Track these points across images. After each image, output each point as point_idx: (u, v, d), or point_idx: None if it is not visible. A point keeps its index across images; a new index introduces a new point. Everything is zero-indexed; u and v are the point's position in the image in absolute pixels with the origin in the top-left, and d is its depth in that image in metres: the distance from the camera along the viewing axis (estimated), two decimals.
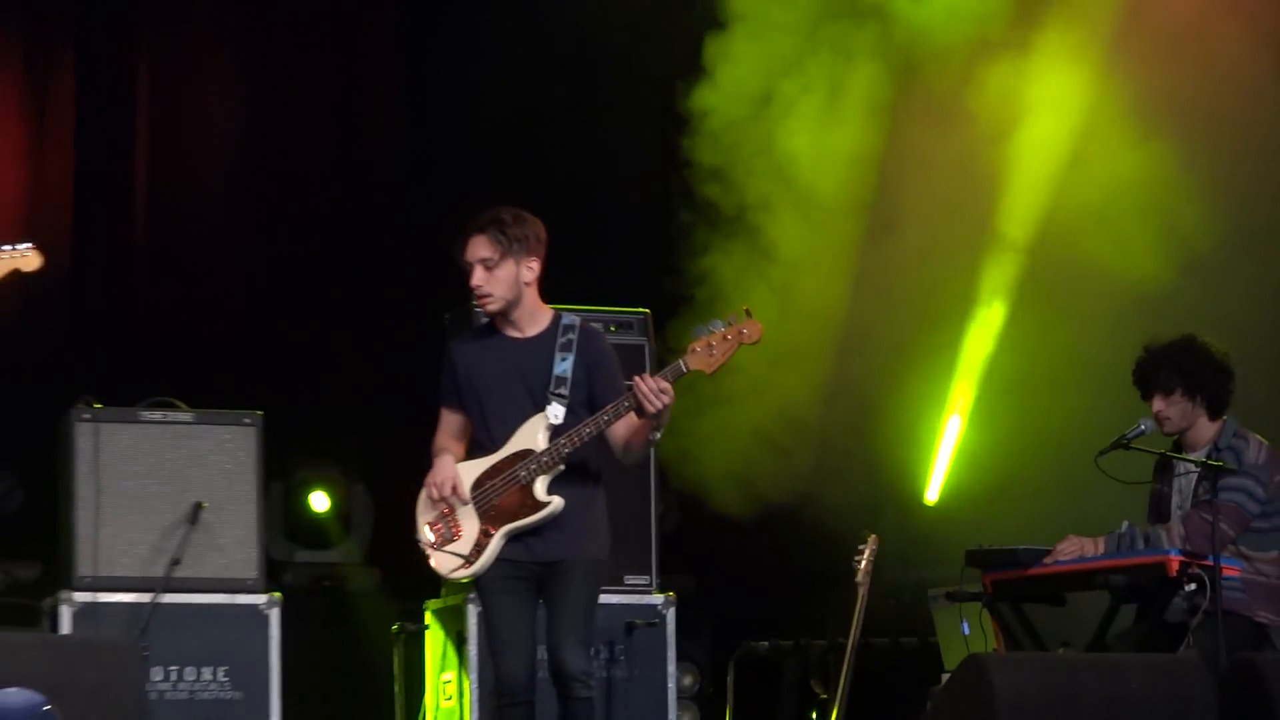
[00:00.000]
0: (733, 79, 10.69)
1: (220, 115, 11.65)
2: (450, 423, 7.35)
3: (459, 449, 7.34)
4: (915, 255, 10.80)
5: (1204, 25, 10.42)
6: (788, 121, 10.75)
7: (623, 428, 7.13)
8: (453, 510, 7.16)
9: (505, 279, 7.08)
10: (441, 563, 7.22)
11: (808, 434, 10.31)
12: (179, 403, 8.68)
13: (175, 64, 11.63)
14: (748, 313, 7.18)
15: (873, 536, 8.28)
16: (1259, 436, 8.06)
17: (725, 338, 7.10)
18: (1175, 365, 7.96)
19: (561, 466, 7.06)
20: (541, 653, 7.22)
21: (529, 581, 7.07)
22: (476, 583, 7.23)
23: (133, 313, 11.23)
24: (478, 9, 11.96)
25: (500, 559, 7.01)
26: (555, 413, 7.05)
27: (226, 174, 11.61)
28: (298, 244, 11.50)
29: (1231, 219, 9.79)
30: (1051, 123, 10.60)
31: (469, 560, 7.09)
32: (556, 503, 7.06)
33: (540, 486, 7.05)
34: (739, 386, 9.70)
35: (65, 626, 8.23)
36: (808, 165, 10.66)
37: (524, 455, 7.05)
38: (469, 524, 7.10)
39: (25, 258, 7.03)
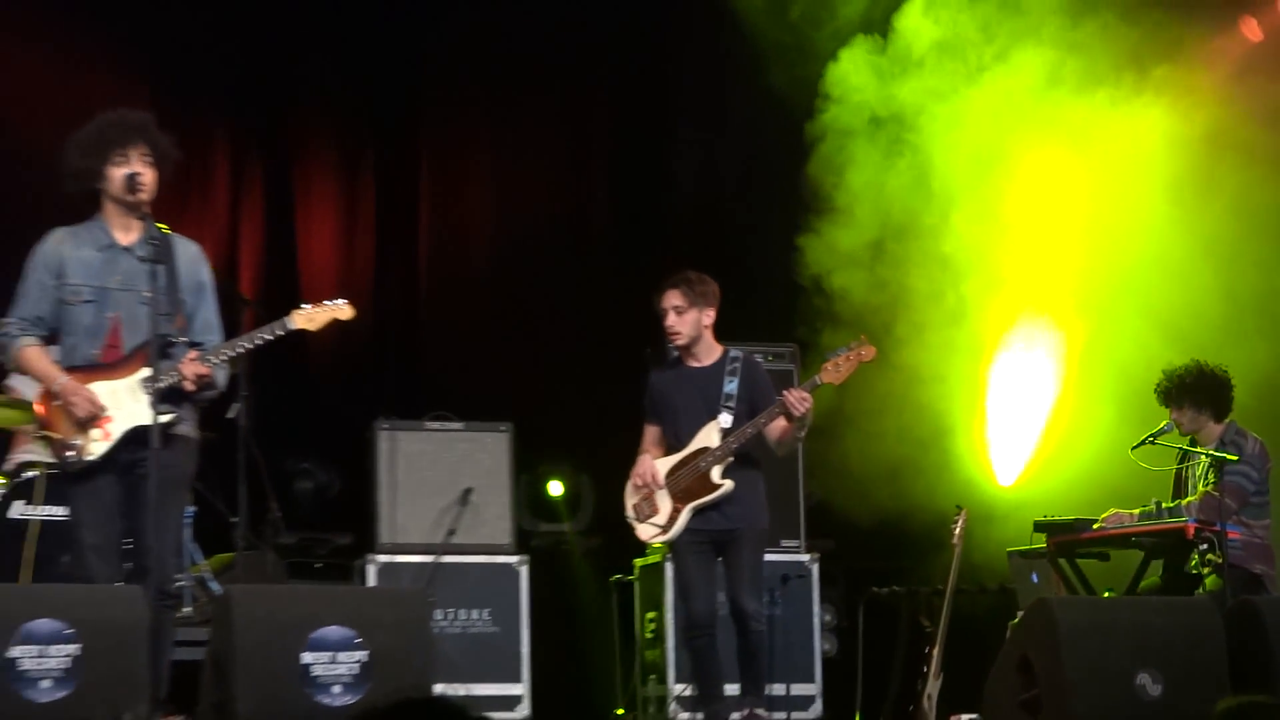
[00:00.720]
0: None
1: (480, 197, 11.74)
2: (650, 433, 7.92)
3: (656, 451, 7.85)
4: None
5: None
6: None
7: (775, 429, 7.70)
8: (652, 494, 7.74)
9: (690, 322, 7.70)
10: (644, 532, 7.83)
11: (917, 440, 10.12)
12: (452, 416, 9.30)
13: (447, 162, 11.70)
14: (864, 339, 7.80)
15: (963, 510, 8.56)
16: (1255, 434, 8.31)
17: (848, 358, 7.64)
18: (1182, 388, 8.26)
19: (730, 458, 7.57)
20: (721, 598, 7.70)
21: (710, 545, 7.59)
22: (671, 546, 7.83)
23: (419, 349, 11.38)
24: (672, 98, 11.79)
25: (688, 529, 7.57)
26: (725, 420, 7.61)
27: (487, 242, 11.63)
28: (540, 296, 11.38)
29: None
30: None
31: (664, 529, 7.67)
32: (728, 485, 7.60)
33: (716, 473, 7.61)
34: (865, 404, 9.69)
35: (371, 580, 8.79)
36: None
37: (703, 451, 7.63)
38: (664, 503, 7.67)
39: (342, 310, 7.11)
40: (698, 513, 7.67)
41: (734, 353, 7.93)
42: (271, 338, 6.89)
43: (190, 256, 6.92)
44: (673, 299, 7.80)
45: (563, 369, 11.16)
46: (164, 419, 6.54)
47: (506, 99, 11.72)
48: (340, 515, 9.86)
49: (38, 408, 6.79)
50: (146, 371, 6.59)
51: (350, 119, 11.67)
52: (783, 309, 10.46)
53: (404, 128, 11.74)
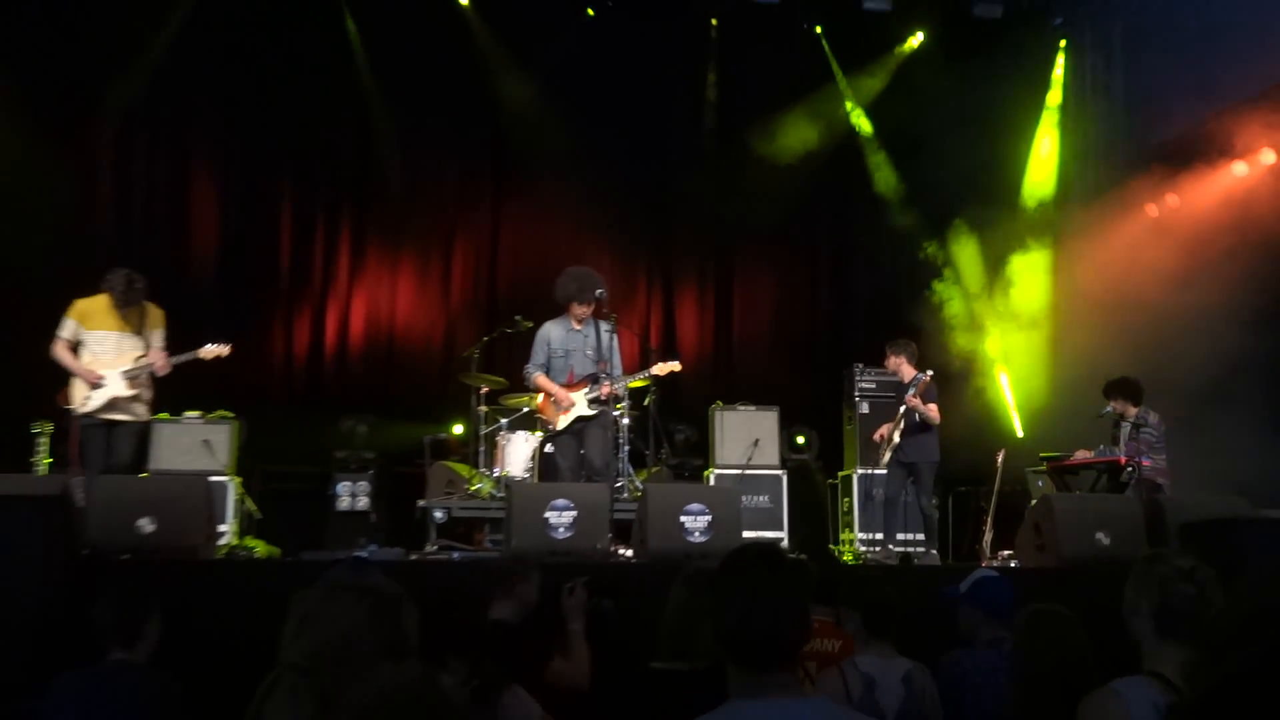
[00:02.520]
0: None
1: (767, 295, 11.55)
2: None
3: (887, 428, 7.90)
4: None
5: None
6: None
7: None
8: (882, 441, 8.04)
9: (895, 366, 8.22)
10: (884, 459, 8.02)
11: (981, 413, 10.07)
12: (749, 402, 9.21)
13: (748, 274, 11.48)
14: (931, 374, 8.06)
15: (1002, 449, 8.97)
16: (1155, 413, 7.99)
17: (920, 385, 7.95)
18: (1114, 388, 8.20)
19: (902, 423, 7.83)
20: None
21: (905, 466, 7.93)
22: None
23: (733, 367, 11.21)
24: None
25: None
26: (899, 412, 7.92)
27: (768, 321, 11.49)
28: (794, 345, 11.24)
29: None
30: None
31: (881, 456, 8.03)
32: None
33: (896, 436, 7.93)
34: (958, 396, 9.58)
35: (712, 481, 8.71)
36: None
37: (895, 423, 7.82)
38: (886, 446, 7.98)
39: (675, 365, 7.69)
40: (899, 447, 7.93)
41: (916, 376, 8.11)
42: (645, 376, 7.62)
43: (605, 330, 7.46)
44: (892, 358, 8.18)
45: (816, 385, 10.78)
46: (593, 410, 7.42)
47: (776, 249, 11.44)
48: (696, 450, 9.89)
49: (541, 403, 7.58)
50: (587, 388, 7.40)
51: (701, 257, 11.51)
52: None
53: (727, 261, 11.56)
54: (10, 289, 9.47)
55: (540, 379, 7.43)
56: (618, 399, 7.54)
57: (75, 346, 7.20)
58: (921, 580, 5.98)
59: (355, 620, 2.21)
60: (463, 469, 8.89)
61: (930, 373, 8.17)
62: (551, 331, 7.51)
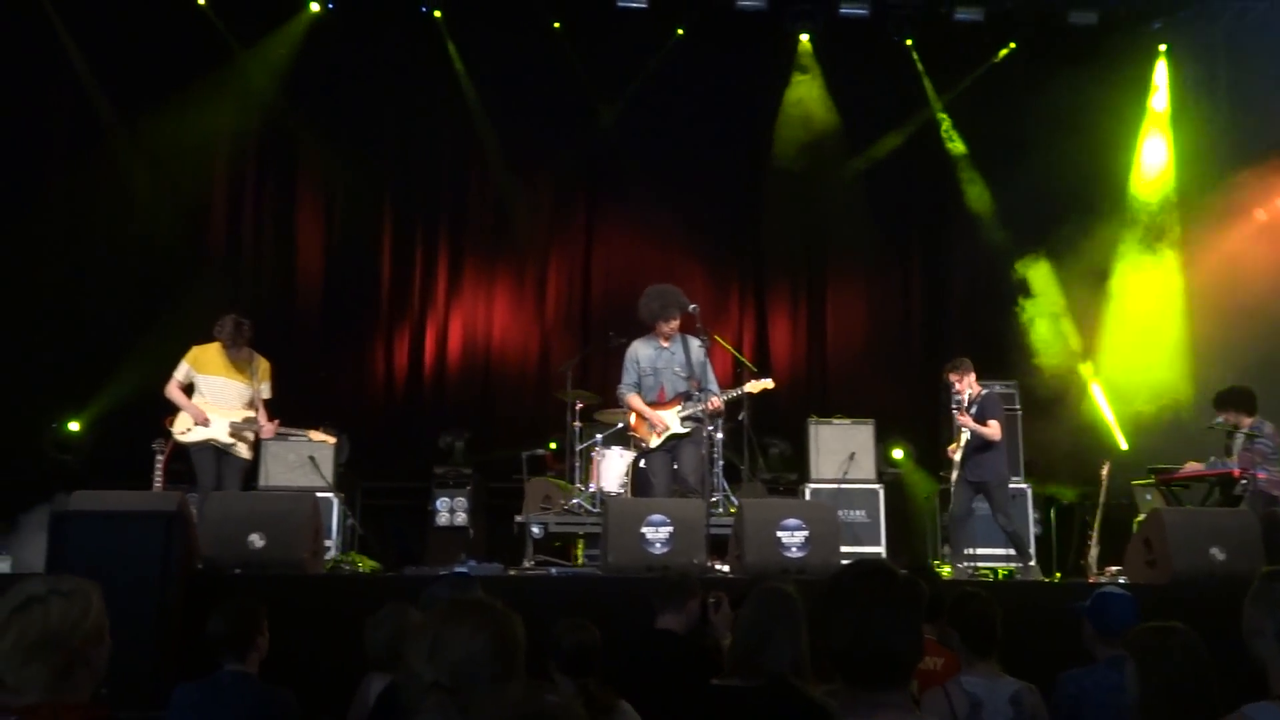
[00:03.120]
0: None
1: (855, 306, 11.47)
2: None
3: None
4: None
5: None
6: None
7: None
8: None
9: (960, 385, 7.93)
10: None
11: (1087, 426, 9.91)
12: (845, 416, 9.33)
13: (840, 289, 11.43)
14: (985, 391, 7.94)
15: (1107, 461, 8.85)
16: (1270, 423, 7.80)
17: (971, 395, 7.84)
18: (1227, 399, 8.01)
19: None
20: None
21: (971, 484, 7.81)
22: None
23: (829, 386, 11.19)
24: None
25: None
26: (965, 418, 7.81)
27: (861, 332, 11.39)
28: (888, 359, 11.17)
29: None
30: None
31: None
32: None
33: (957, 456, 7.84)
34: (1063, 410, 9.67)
35: (808, 496, 8.85)
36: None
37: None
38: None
39: (765, 384, 7.79)
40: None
41: (986, 391, 8.07)
42: (738, 394, 7.71)
43: (695, 348, 7.54)
44: (952, 372, 8.03)
45: (911, 397, 10.56)
46: (687, 428, 7.50)
47: (869, 263, 11.50)
48: (791, 465, 9.94)
49: (634, 422, 7.68)
50: (679, 406, 7.49)
51: (794, 274, 11.49)
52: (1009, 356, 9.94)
53: (820, 277, 11.50)
54: (134, 314, 9.91)
55: (632, 399, 7.51)
56: (719, 414, 7.62)
57: (188, 389, 7.55)
58: (1026, 597, 5.97)
59: (485, 640, 2.23)
60: (560, 484, 8.97)
61: (983, 391, 8.10)
62: (640, 350, 7.57)
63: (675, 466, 7.44)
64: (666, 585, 4.63)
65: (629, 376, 7.59)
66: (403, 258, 11.28)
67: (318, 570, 6.62)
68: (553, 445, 9.83)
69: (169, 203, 10.34)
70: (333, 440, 7.85)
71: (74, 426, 9.37)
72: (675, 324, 7.45)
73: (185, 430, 7.46)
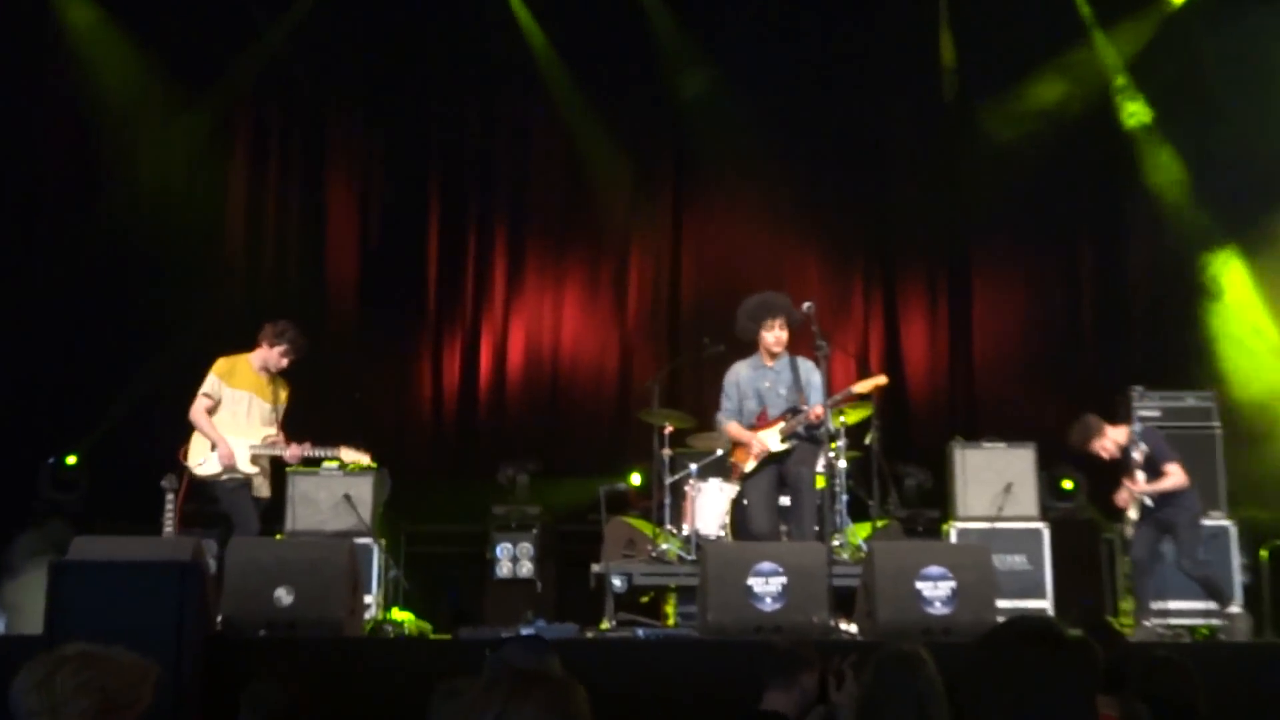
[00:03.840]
0: None
1: (1013, 303, 11.55)
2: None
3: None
4: None
5: None
6: None
7: None
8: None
9: (1111, 440, 8.17)
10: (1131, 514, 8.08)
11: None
12: (997, 439, 9.45)
13: (991, 285, 11.57)
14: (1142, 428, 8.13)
15: None
16: None
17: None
18: None
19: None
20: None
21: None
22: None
23: (975, 399, 11.28)
24: None
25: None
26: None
27: (1020, 333, 11.47)
28: (1050, 364, 11.27)
29: None
30: None
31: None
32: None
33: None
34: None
35: (953, 539, 9.05)
36: None
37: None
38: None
39: (878, 381, 7.98)
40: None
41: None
42: (843, 396, 7.92)
43: (809, 370, 7.84)
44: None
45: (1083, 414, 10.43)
46: (786, 445, 7.76)
47: (1025, 250, 11.53)
48: (931, 499, 9.98)
49: (737, 454, 7.97)
50: (780, 424, 7.78)
51: (931, 263, 11.65)
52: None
53: (963, 267, 11.64)
54: (137, 330, 10.30)
55: (732, 428, 7.79)
56: (814, 428, 7.74)
57: (214, 407, 7.87)
58: (1233, 662, 5.96)
59: None
60: (645, 526, 9.11)
61: (1135, 430, 8.29)
62: (740, 371, 7.85)
63: (784, 501, 7.66)
64: (774, 656, 4.70)
65: (728, 402, 7.86)
66: (453, 253, 11.53)
67: (356, 632, 6.79)
68: (636, 479, 9.97)
69: (176, 194, 10.79)
70: (366, 459, 8.07)
71: (72, 460, 9.81)
72: (779, 334, 7.71)
73: (200, 462, 7.72)
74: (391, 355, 11.24)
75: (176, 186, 10.82)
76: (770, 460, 7.67)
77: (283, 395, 8.02)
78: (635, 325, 11.51)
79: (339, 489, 8.86)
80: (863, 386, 7.90)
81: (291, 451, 7.78)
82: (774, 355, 7.76)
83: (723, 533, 8.79)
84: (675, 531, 8.93)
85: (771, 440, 7.71)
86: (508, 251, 11.52)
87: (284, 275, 11.24)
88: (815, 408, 7.52)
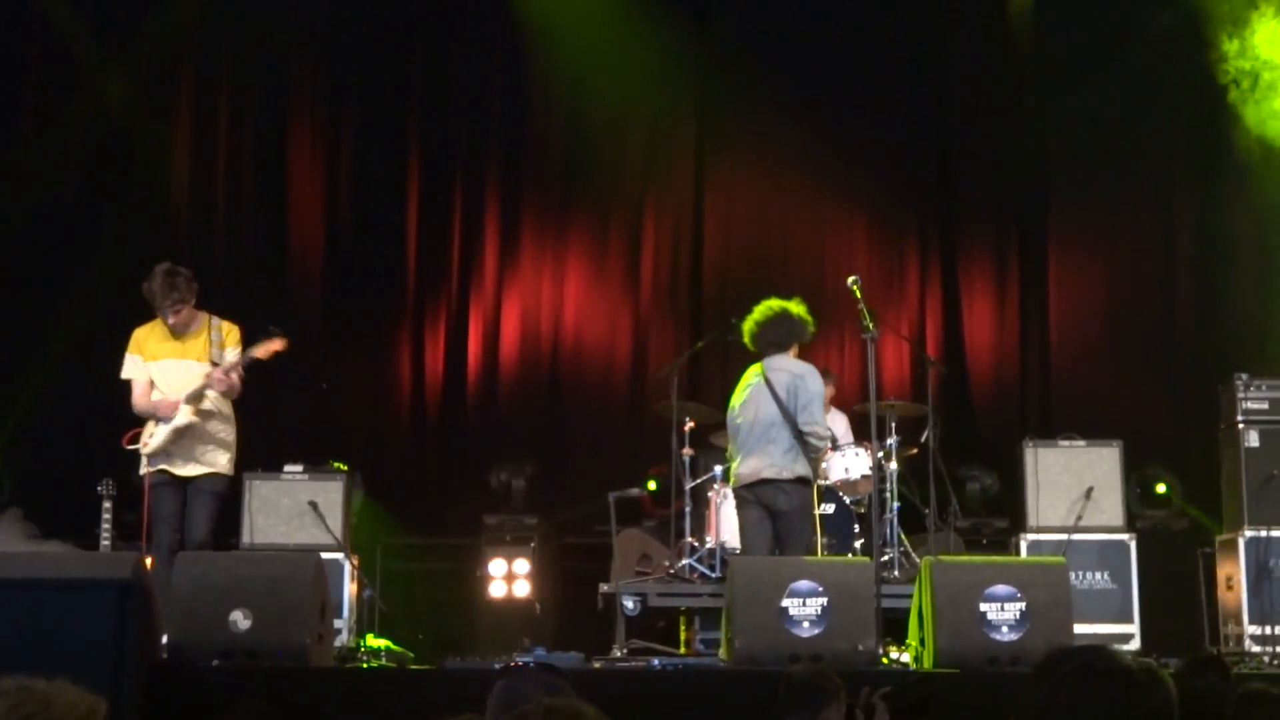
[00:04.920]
0: None
1: (1091, 283, 11.71)
2: None
3: None
4: None
5: None
6: None
7: None
8: None
9: None
10: None
11: None
12: (1077, 436, 9.40)
13: (1069, 257, 11.67)
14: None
15: None
16: None
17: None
18: None
19: None
20: None
21: None
22: None
23: (1051, 388, 11.42)
24: None
25: None
26: None
27: (1099, 313, 11.63)
28: (1139, 351, 11.45)
29: None
30: None
31: None
32: None
33: None
34: None
35: (1023, 552, 9.01)
36: None
37: None
38: None
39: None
40: None
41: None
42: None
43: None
44: None
45: (1178, 407, 10.90)
46: None
47: (1112, 214, 11.64)
48: (998, 506, 10.15)
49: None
50: None
51: (1000, 226, 11.78)
52: None
53: (1038, 231, 11.74)
54: (58, 311, 10.37)
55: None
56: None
57: (147, 388, 7.84)
58: None
59: None
60: (659, 533, 9.29)
61: None
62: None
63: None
64: (790, 687, 4.76)
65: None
66: (436, 220, 11.57)
67: (325, 662, 6.80)
68: (652, 484, 9.97)
69: (106, 148, 10.85)
70: (280, 345, 7.96)
71: None
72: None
73: (146, 440, 7.74)
74: (364, 340, 11.33)
75: (110, 146, 10.91)
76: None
77: (229, 339, 7.91)
78: (650, 303, 11.60)
79: (303, 495, 8.86)
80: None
81: (218, 380, 7.71)
82: None
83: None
84: (697, 544, 9.00)
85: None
86: (500, 217, 11.60)
87: (237, 244, 11.30)
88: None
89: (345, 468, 9.07)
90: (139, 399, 7.79)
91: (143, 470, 7.77)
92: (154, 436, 7.70)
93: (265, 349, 7.83)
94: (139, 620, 5.66)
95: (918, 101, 11.69)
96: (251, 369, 8.01)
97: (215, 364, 7.79)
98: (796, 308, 8.01)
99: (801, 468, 7.85)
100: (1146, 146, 11.51)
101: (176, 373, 7.77)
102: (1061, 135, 11.47)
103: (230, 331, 7.92)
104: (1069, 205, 11.68)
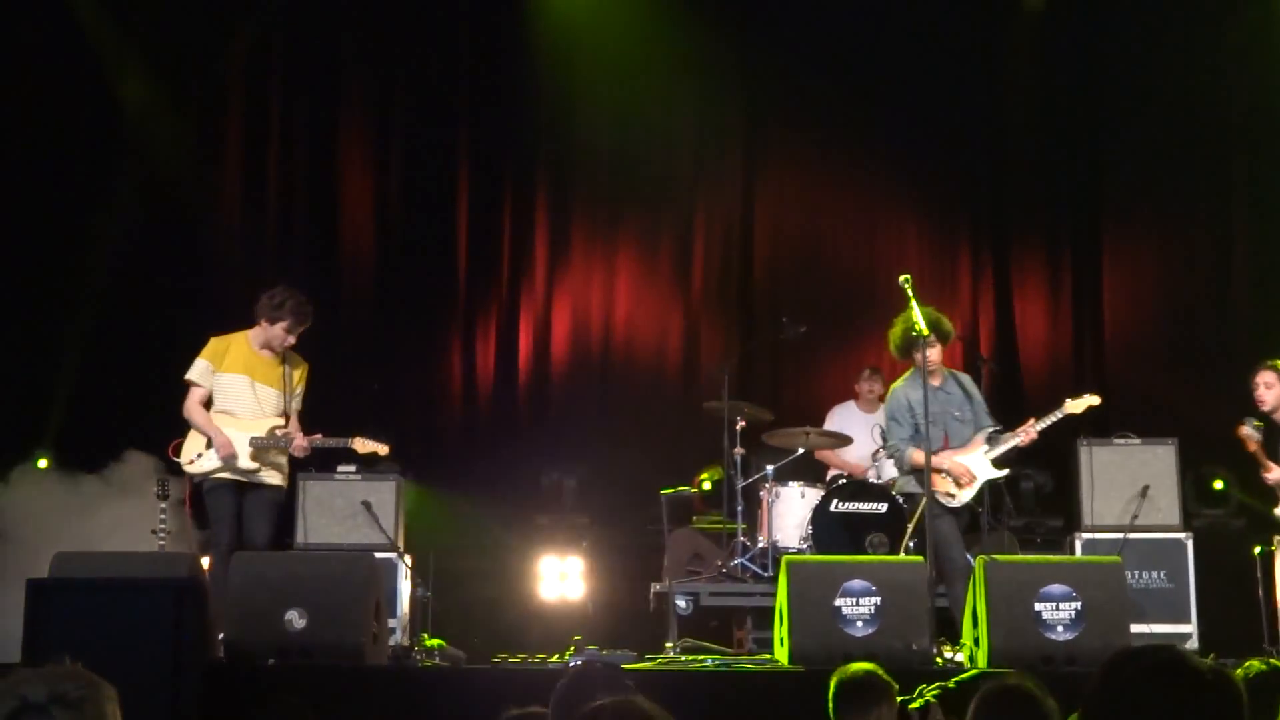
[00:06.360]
0: None
1: (1146, 283, 11.70)
2: None
3: None
4: None
5: None
6: None
7: None
8: None
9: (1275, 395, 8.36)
10: None
11: None
12: (1132, 435, 9.41)
13: (1121, 258, 11.58)
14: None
15: None
16: None
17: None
18: None
19: None
20: None
21: None
22: None
23: (1108, 388, 10.79)
24: None
25: None
26: None
27: (1152, 315, 11.63)
28: (1189, 351, 11.42)
29: None
30: None
31: None
32: None
33: None
34: None
35: (1078, 551, 8.99)
36: None
37: None
38: None
39: (1090, 400, 8.29)
40: None
41: None
42: (1057, 418, 8.23)
43: (968, 383, 8.37)
44: (1265, 377, 8.45)
45: (1234, 403, 10.10)
46: (1002, 473, 8.13)
47: (1166, 211, 11.60)
48: (1052, 505, 10.11)
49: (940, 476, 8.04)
50: (981, 446, 8.07)
51: (1053, 223, 11.73)
52: None
53: (1092, 229, 11.69)
54: (133, 304, 10.54)
55: (918, 455, 7.99)
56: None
57: (207, 398, 7.92)
58: None
59: None
60: (711, 532, 9.30)
61: None
62: (909, 395, 8.13)
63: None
64: (842, 687, 4.74)
65: (902, 430, 8.17)
66: (486, 216, 11.58)
67: (379, 660, 6.87)
68: (705, 482, 10.02)
69: (160, 144, 10.94)
70: (384, 449, 8.09)
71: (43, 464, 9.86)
72: (935, 353, 8.06)
73: (193, 459, 7.78)
74: (414, 338, 11.34)
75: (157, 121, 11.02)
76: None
77: (297, 378, 8.00)
78: (701, 302, 11.58)
79: (357, 495, 8.90)
80: (1076, 405, 8.19)
81: (298, 444, 7.81)
82: (937, 375, 8.14)
83: (805, 545, 8.84)
84: (749, 543, 9.02)
85: (982, 467, 8.09)
86: (550, 215, 11.63)
87: (288, 238, 11.36)
88: (1029, 429, 7.99)
89: (397, 463, 9.16)
90: (194, 409, 7.81)
91: (194, 470, 7.86)
92: (203, 458, 7.76)
93: (365, 446, 7.97)
94: (196, 620, 5.73)
95: (969, 101, 11.61)
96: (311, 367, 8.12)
97: (283, 392, 7.93)
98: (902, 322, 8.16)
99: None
100: (1202, 144, 11.43)
101: (248, 393, 7.84)
102: (1116, 132, 11.44)
103: (301, 369, 8.04)
104: (1123, 202, 11.63)
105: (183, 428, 7.97)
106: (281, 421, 7.91)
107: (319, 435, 7.92)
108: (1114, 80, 11.39)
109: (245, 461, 7.77)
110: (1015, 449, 8.06)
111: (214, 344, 7.90)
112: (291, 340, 7.86)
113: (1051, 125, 11.52)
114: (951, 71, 11.51)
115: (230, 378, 7.82)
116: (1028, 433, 7.98)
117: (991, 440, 8.14)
